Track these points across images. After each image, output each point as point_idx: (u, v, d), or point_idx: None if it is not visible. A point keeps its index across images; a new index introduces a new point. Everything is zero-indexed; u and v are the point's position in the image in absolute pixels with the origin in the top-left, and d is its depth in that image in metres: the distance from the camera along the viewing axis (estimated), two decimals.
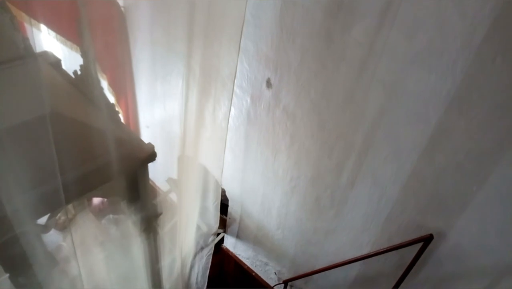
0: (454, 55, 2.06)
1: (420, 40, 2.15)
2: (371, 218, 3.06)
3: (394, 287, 3.02)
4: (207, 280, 4.25)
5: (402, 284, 2.96)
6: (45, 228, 2.35)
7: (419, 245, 2.69)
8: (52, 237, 2.59)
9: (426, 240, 2.62)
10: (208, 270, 4.19)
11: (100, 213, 2.80)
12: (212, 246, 4.12)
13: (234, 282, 4.95)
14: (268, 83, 3.09)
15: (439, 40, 2.08)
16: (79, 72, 2.15)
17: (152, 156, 2.16)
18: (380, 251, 2.94)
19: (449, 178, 2.44)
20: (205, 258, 4.05)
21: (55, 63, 2.32)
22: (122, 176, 2.12)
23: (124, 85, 4.08)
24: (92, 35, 1.76)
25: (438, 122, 2.31)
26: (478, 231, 2.47)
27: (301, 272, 3.94)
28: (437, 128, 2.33)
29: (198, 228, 3.51)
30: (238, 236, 4.70)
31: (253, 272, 4.80)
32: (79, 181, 1.84)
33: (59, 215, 2.34)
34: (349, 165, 2.95)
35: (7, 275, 1.95)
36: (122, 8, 3.64)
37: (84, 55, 1.95)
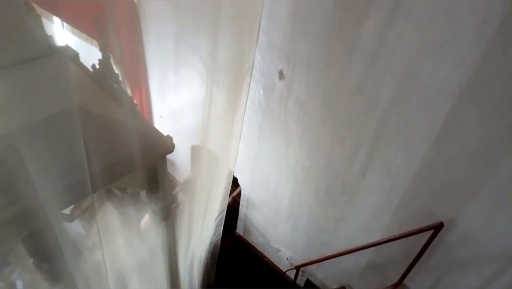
0: (465, 47, 2.09)
1: (432, 32, 2.18)
2: (382, 206, 3.12)
3: (404, 272, 3.09)
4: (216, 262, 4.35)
5: (412, 270, 3.03)
6: (70, 217, 2.46)
7: (429, 233, 2.74)
8: (76, 226, 2.70)
9: (437, 228, 2.68)
10: (217, 253, 4.28)
11: (121, 202, 2.89)
12: (220, 231, 4.19)
13: (247, 267, 5.05)
14: (281, 75, 3.13)
15: (451, 32, 2.11)
16: (97, 66, 2.21)
17: (171, 148, 2.22)
18: (391, 238, 3.00)
19: (461, 166, 2.48)
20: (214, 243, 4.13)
21: (74, 57, 2.38)
22: (142, 167, 2.19)
23: (137, 76, 4.14)
24: (111, 30, 1.82)
25: (449, 112, 2.34)
26: (488, 218, 2.52)
27: (312, 258, 4.02)
28: (448, 118, 2.37)
29: (212, 214, 3.59)
30: (251, 223, 4.80)
31: (266, 257, 4.91)
32: (102, 172, 1.91)
33: (82, 205, 2.43)
34: (361, 154, 3.00)
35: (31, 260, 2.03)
36: (135, 0, 3.68)
37: (102, 49, 2.01)
